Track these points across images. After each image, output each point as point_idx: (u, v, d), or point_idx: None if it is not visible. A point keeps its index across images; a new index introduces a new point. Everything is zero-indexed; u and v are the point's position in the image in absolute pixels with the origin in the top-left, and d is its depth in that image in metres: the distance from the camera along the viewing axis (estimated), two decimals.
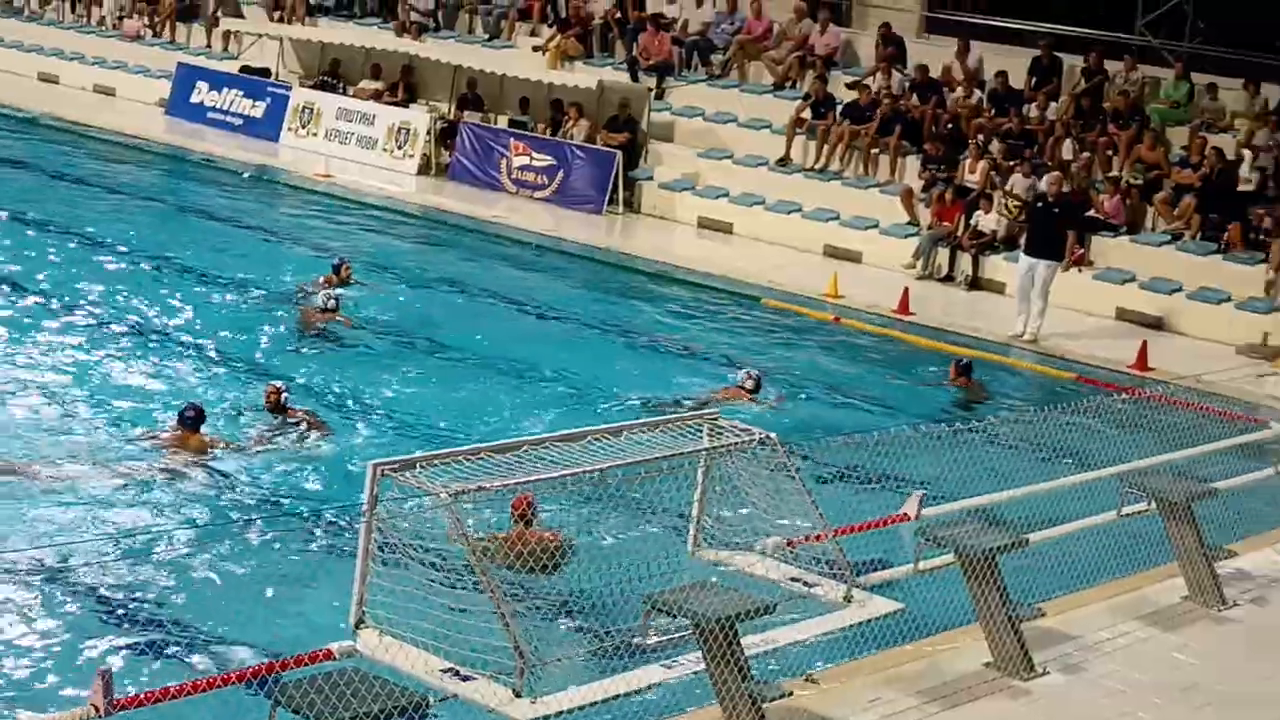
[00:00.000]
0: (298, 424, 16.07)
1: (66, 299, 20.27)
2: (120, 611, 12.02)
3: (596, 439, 10.08)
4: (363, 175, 29.28)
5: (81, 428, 15.79)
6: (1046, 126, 26.18)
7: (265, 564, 12.60)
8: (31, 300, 20.10)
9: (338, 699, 7.91)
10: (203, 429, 15.34)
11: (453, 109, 30.89)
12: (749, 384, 18.18)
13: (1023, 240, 22.82)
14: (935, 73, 27.92)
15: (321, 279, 21.55)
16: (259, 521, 13.43)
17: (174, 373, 17.77)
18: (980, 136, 26.14)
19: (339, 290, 20.78)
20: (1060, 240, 22.27)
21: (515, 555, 11.29)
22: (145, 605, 12.06)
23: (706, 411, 10.94)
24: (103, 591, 12.26)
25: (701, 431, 10.65)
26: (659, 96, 29.97)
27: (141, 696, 8.56)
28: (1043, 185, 23.27)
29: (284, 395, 16.23)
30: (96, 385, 17.11)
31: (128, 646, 11.43)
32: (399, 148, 30.07)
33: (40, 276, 21.17)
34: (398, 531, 9.22)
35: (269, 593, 12.25)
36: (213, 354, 18.66)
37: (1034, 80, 27.08)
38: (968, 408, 18.95)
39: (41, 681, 10.91)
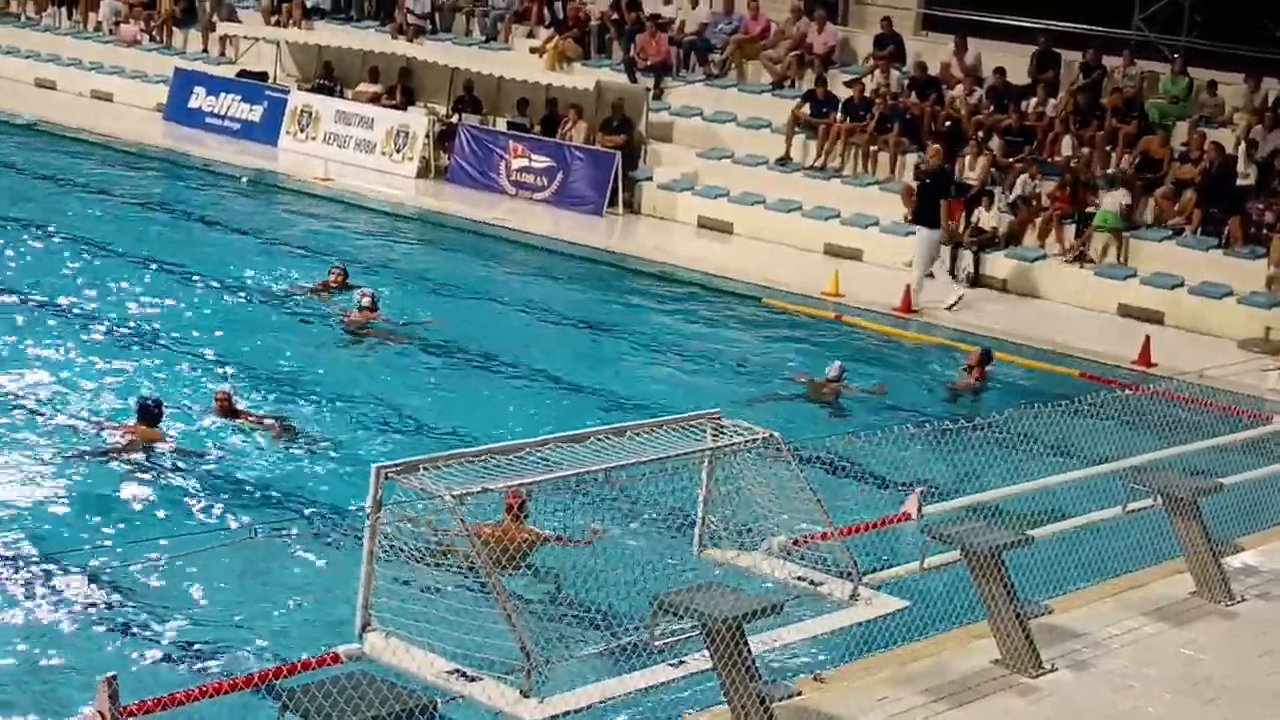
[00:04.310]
0: (262, 427, 16.06)
1: (64, 305, 20.24)
2: (124, 618, 11.99)
3: (600, 439, 10.05)
4: (362, 179, 29.26)
5: (75, 431, 15.76)
6: (1046, 123, 26.17)
7: (270, 568, 12.56)
8: (29, 305, 20.07)
9: (345, 702, 7.89)
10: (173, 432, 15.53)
11: (450, 111, 30.87)
12: (833, 372, 18.89)
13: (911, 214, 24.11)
14: (934, 70, 27.91)
15: (319, 282, 21.58)
16: (261, 526, 13.37)
17: (170, 376, 17.72)
18: (980, 133, 26.13)
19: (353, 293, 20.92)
20: (938, 209, 23.33)
21: (499, 547, 11.37)
22: (149, 611, 12.03)
23: (709, 411, 10.88)
24: (106, 597, 12.23)
25: (705, 431, 10.62)
26: (657, 97, 29.95)
27: (150, 703, 8.52)
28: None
29: (233, 399, 16.24)
30: (88, 389, 17.07)
31: (132, 653, 11.41)
32: (397, 151, 30.05)
33: (38, 283, 21.13)
34: (402, 534, 9.19)
35: (274, 597, 12.22)
36: (210, 358, 18.62)
37: (1037, 67, 27.10)
38: (963, 401, 18.99)
39: (45, 692, 10.87)
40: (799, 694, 9.79)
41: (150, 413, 15.51)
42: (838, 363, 19.19)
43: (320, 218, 27.13)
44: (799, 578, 10.50)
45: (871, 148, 27.21)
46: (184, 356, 18.60)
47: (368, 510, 9.03)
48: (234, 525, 13.59)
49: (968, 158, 25.73)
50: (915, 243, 23.57)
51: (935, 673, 10.72)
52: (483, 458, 9.52)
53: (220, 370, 18.09)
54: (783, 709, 9.55)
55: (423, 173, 29.79)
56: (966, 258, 24.75)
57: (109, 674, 8.27)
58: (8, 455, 14.95)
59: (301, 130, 31.38)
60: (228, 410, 16.15)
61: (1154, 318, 23.11)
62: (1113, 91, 26.26)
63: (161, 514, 13.96)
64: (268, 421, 16.25)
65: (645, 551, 11.49)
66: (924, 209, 23.56)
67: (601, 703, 9.02)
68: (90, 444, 15.32)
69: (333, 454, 15.71)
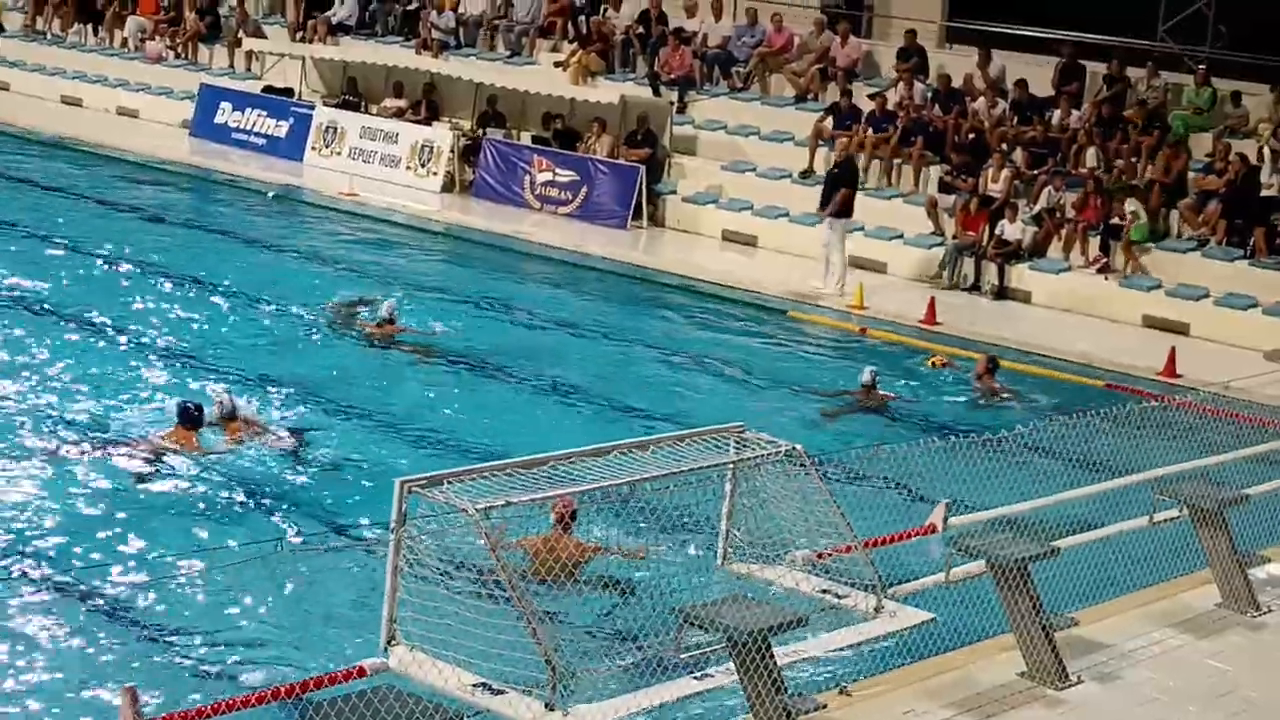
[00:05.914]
0: (257, 434, 16.11)
1: (92, 320, 20.31)
2: (148, 630, 12.02)
3: (624, 453, 10.06)
4: (387, 194, 29.31)
5: (100, 442, 15.83)
6: (1069, 135, 26.13)
7: (295, 582, 12.59)
8: (58, 322, 20.15)
9: (372, 716, 7.91)
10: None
11: (474, 126, 30.92)
12: (866, 378, 19.07)
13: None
14: (957, 82, 27.88)
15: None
16: (286, 541, 13.42)
17: (194, 389, 17.76)
18: (1003, 145, 26.10)
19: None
20: (846, 199, 24.39)
21: (543, 561, 11.36)
22: (174, 624, 12.06)
23: (732, 424, 10.88)
24: (131, 610, 12.26)
25: (728, 444, 10.63)
26: (681, 110, 29.97)
27: (176, 717, 8.55)
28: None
29: (224, 411, 16.28)
30: (116, 403, 17.13)
31: (156, 666, 11.44)
32: (423, 165, 30.11)
33: (66, 299, 21.21)
34: (427, 548, 9.20)
35: (299, 611, 12.24)
36: (237, 373, 18.66)
37: (1061, 79, 27.09)
38: (989, 412, 18.97)
39: (66, 705, 10.90)
40: (824, 707, 9.80)
41: (191, 416, 15.65)
42: (869, 368, 19.24)
43: (345, 232, 27.19)
44: (823, 591, 10.50)
45: (895, 160, 27.20)
46: (208, 370, 18.65)
47: (392, 525, 9.05)
48: (259, 539, 13.60)
49: (991, 170, 25.71)
50: (823, 230, 24.48)
51: (961, 685, 10.70)
52: (507, 471, 9.55)
53: (239, 381, 18.14)
54: None
55: (447, 187, 29.83)
56: (991, 270, 24.73)
57: (128, 685, 8.30)
58: (30, 467, 15.03)
59: (327, 145, 31.48)
60: (224, 419, 16.16)
61: (1179, 329, 23.07)
62: (1137, 103, 26.22)
63: (187, 527, 13.98)
64: (281, 435, 16.27)
65: (669, 565, 11.49)
66: (830, 199, 24.42)
67: (626, 716, 9.03)
68: (122, 449, 15.44)
69: (357, 467, 15.72)
